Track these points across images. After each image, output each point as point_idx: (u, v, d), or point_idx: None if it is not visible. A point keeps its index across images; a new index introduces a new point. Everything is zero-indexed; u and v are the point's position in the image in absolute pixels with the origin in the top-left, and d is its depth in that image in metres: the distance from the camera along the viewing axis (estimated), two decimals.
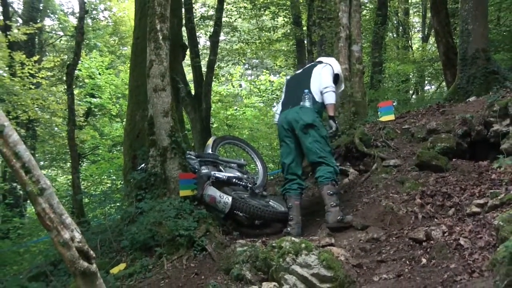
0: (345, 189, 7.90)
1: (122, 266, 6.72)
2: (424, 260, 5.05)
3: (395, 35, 27.29)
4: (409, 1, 27.18)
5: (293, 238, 5.54)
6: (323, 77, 7.30)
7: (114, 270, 6.60)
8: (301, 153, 7.27)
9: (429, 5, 18.32)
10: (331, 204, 6.66)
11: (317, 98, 7.17)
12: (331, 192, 6.76)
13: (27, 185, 3.70)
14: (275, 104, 7.32)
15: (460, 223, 5.57)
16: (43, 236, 15.33)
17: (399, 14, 26.42)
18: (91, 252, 3.91)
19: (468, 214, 5.76)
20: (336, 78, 7.66)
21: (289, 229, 6.87)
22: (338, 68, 7.72)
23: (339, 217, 6.54)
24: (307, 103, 7.06)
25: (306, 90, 7.16)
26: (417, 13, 28.15)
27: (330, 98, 7.14)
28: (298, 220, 6.94)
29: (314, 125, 7.00)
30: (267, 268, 5.50)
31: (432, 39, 24.24)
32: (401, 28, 27.54)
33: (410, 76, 24.76)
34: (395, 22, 26.90)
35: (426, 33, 26.35)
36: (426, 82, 26.79)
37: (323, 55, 17.95)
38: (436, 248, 5.14)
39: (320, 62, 7.70)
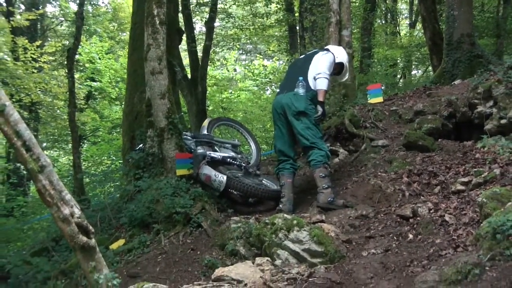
0: (336, 168, 7.89)
1: (121, 242, 6.71)
2: (411, 236, 5.06)
3: (383, 21, 27.19)
4: None
5: (285, 215, 5.54)
6: (319, 64, 7.24)
7: (114, 246, 6.60)
8: (293, 136, 7.24)
9: None
10: (323, 186, 6.68)
11: (312, 85, 7.10)
12: (323, 175, 6.76)
13: (28, 163, 3.67)
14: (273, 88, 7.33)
15: (445, 200, 5.58)
16: (46, 214, 15.34)
17: (387, 1, 26.31)
18: (90, 227, 3.90)
19: (453, 191, 5.77)
20: (340, 67, 7.66)
21: (280, 205, 6.88)
22: (342, 57, 7.61)
23: (329, 199, 6.57)
24: (301, 90, 7.01)
25: (301, 78, 7.10)
26: (405, 0, 28.07)
27: (321, 84, 7.05)
28: (290, 197, 6.95)
29: (306, 113, 6.97)
30: (260, 244, 5.50)
31: (419, 25, 24.15)
32: (389, 14, 27.45)
33: (398, 61, 24.74)
34: (384, 8, 26.77)
35: (413, 19, 26.25)
36: (413, 66, 26.75)
37: (314, 39, 17.94)
38: (422, 224, 5.14)
39: (325, 50, 7.64)
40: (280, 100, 7.15)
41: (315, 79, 7.09)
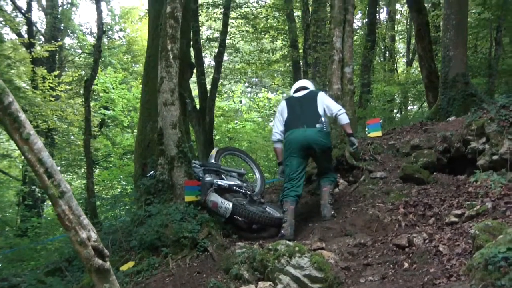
0: (336, 198, 7.90)
1: (131, 264, 6.71)
2: (406, 264, 5.06)
3: (382, 59, 27.35)
4: (395, 29, 27.27)
5: (287, 242, 5.56)
6: (331, 102, 7.64)
7: (124, 267, 6.60)
8: (305, 166, 7.59)
9: (413, 33, 18.37)
10: (329, 201, 7.25)
11: (325, 122, 7.42)
12: (331, 192, 7.39)
13: (49, 189, 3.70)
14: (273, 123, 7.32)
15: (440, 231, 5.59)
16: (59, 235, 15.33)
17: (386, 40, 26.50)
18: (106, 250, 3.91)
19: (447, 223, 5.78)
20: None
21: (282, 230, 6.91)
22: None
23: (333, 212, 7.12)
24: (325, 128, 7.32)
25: (322, 115, 7.37)
26: (402, 39, 28.23)
27: (346, 118, 7.54)
28: (291, 223, 6.97)
29: (330, 148, 7.61)
30: (263, 269, 5.51)
31: (415, 64, 24.31)
32: (387, 53, 27.64)
33: (395, 97, 24.80)
34: (383, 47, 26.98)
35: (410, 58, 26.41)
36: (409, 102, 26.83)
37: (318, 75, 18.04)
38: (418, 253, 5.15)
39: (308, 88, 7.90)
40: (305, 135, 7.26)
41: (336, 115, 7.46)
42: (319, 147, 7.22)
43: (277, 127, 7.72)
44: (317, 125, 7.23)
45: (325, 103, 7.51)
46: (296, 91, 7.93)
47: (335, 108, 7.49)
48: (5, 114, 3.61)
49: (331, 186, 7.47)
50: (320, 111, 7.37)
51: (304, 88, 7.88)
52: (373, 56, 22.19)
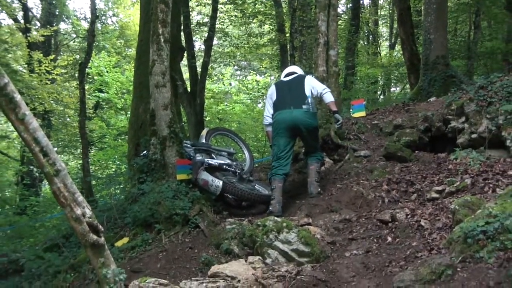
0: (322, 176, 7.89)
1: (125, 240, 6.70)
2: (389, 239, 5.07)
3: (366, 43, 27.31)
4: (379, 13, 27.21)
5: (275, 218, 5.55)
6: (317, 84, 7.62)
7: (118, 243, 6.59)
8: (293, 145, 7.56)
9: (396, 17, 18.34)
10: (315, 179, 7.25)
11: (311, 103, 7.37)
12: (318, 170, 7.37)
13: (44, 167, 3.68)
14: (265, 107, 7.23)
15: (421, 207, 5.60)
16: (56, 213, 15.29)
17: (369, 25, 26.45)
18: (100, 226, 3.91)
19: (428, 199, 5.79)
20: None
21: (271, 207, 6.93)
22: None
23: (319, 189, 7.14)
24: (311, 109, 7.28)
25: (309, 98, 7.32)
26: (385, 24, 28.19)
27: (330, 97, 7.51)
28: (279, 200, 6.97)
29: (317, 128, 7.52)
30: (253, 244, 5.51)
31: (398, 47, 24.29)
32: (371, 36, 27.62)
33: (379, 79, 24.84)
34: (366, 31, 26.92)
35: (393, 41, 26.39)
36: (392, 84, 26.83)
37: (304, 58, 18.00)
38: (400, 228, 5.16)
39: (299, 74, 7.85)
40: (292, 116, 7.23)
41: (321, 94, 7.45)
42: (305, 126, 7.19)
43: (267, 110, 7.69)
44: (304, 106, 7.21)
45: (311, 84, 7.49)
46: (286, 76, 7.91)
47: (320, 87, 7.49)
48: (1, 94, 3.57)
49: (318, 165, 7.44)
50: (307, 93, 7.33)
51: (293, 73, 7.86)
52: (357, 39, 22.18)
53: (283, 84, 7.69)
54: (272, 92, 7.72)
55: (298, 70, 7.99)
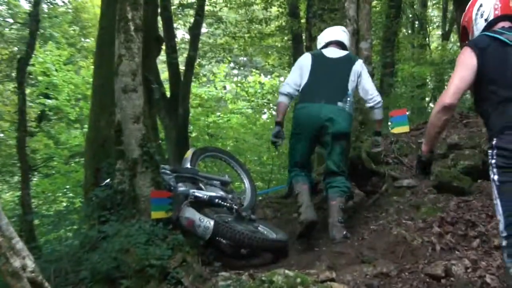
0: (349, 213, 7.92)
1: None
2: None
3: (410, 31, 27.40)
4: None
5: (286, 271, 5.56)
6: (368, 81, 7.52)
7: None
8: (313, 150, 7.69)
9: None
10: (339, 219, 7.05)
11: (350, 101, 7.34)
12: (343, 206, 7.16)
13: None
14: (289, 74, 7.01)
15: (486, 257, 5.61)
16: None
17: (415, 6, 26.50)
18: (46, 284, 3.92)
19: (495, 246, 5.79)
20: None
21: (301, 216, 7.08)
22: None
23: (345, 233, 6.95)
24: (347, 108, 7.25)
25: (350, 92, 7.30)
26: (437, 5, 28.29)
27: (380, 114, 7.52)
28: (309, 204, 7.09)
29: (348, 136, 7.37)
30: None
31: (454, 37, 24.35)
32: (417, 23, 27.66)
33: (427, 80, 24.83)
34: (410, 15, 27.00)
35: (447, 29, 26.44)
36: (445, 87, 26.86)
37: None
38: (458, 286, 5.17)
39: (344, 46, 7.80)
40: (321, 112, 7.19)
41: (371, 101, 7.41)
42: (334, 129, 7.14)
43: (292, 78, 7.66)
44: (339, 103, 7.19)
45: (361, 77, 7.43)
46: (329, 45, 7.81)
47: (372, 89, 7.44)
48: None
49: (342, 199, 7.27)
50: (350, 86, 7.33)
51: (338, 43, 7.78)
52: (398, 27, 22.21)
53: (323, 61, 7.54)
54: (305, 64, 7.65)
55: (346, 40, 7.92)
